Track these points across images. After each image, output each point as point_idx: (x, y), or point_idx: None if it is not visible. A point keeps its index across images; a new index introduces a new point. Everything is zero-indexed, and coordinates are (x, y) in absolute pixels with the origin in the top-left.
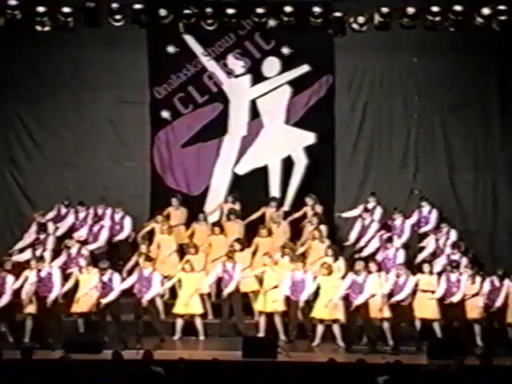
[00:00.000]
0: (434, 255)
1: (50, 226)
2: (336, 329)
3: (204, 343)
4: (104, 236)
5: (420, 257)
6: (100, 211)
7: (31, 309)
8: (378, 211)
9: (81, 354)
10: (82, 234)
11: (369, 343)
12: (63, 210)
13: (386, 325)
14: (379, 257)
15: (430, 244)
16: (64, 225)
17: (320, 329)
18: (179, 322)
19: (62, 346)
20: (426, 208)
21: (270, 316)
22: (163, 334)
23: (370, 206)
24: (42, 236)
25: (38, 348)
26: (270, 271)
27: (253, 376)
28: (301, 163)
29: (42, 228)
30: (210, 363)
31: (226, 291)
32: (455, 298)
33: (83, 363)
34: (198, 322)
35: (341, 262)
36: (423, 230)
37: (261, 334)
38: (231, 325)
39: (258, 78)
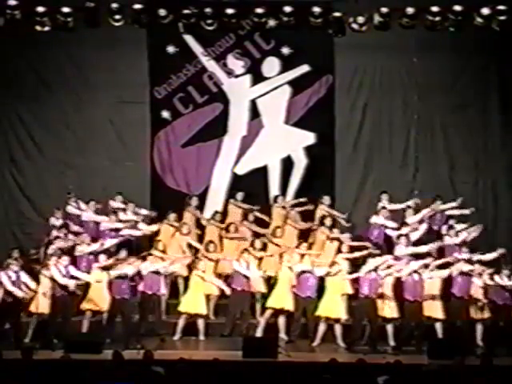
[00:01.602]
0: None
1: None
2: (338, 328)
3: (204, 343)
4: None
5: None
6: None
7: (43, 308)
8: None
9: (81, 354)
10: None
11: (369, 343)
12: (75, 207)
13: (390, 325)
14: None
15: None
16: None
17: (322, 328)
18: (181, 322)
19: (62, 346)
20: (440, 207)
21: (274, 315)
22: (164, 334)
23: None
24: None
25: (38, 348)
26: (285, 270)
27: (253, 376)
28: (301, 163)
29: (63, 226)
30: (211, 363)
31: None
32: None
33: (83, 363)
34: (201, 322)
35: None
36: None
37: (258, 334)
38: (235, 325)
39: (257, 78)
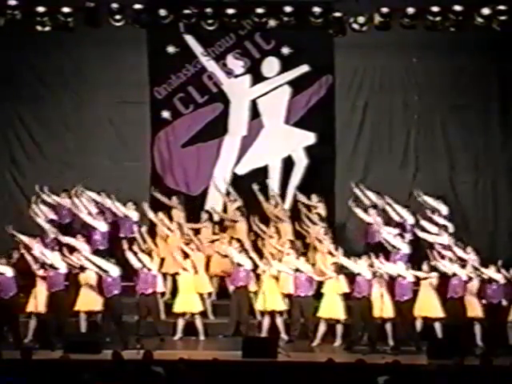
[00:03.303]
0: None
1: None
2: (338, 328)
3: (204, 343)
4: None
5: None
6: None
7: (41, 307)
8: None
9: (81, 354)
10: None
11: (369, 343)
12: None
13: (388, 325)
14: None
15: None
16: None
17: (322, 328)
18: (180, 322)
19: (62, 346)
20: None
21: (272, 316)
22: (163, 334)
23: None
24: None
25: (38, 348)
26: (270, 269)
27: (253, 376)
28: (301, 163)
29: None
30: (211, 363)
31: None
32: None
33: (83, 363)
34: (198, 322)
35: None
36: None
37: (264, 334)
38: (238, 325)
39: (257, 78)
